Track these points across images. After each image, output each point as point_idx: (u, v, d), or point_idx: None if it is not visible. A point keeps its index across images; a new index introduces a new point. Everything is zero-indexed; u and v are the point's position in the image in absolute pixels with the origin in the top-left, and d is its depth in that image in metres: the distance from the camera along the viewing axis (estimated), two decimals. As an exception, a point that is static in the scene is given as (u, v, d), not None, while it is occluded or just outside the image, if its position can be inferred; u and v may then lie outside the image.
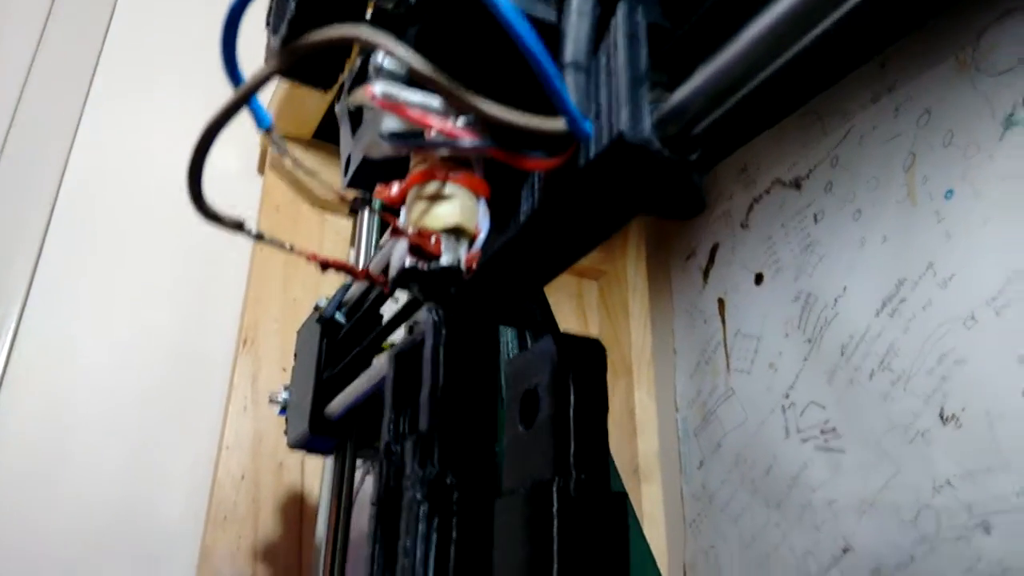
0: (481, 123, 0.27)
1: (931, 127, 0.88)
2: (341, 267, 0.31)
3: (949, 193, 0.86)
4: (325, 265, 0.30)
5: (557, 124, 0.25)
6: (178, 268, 1.09)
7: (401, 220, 0.30)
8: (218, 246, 1.10)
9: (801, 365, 0.99)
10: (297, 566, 0.96)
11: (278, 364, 1.04)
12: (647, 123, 0.26)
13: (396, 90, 0.27)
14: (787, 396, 1.01)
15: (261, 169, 1.16)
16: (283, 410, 0.73)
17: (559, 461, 0.30)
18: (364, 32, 0.24)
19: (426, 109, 0.27)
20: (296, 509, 0.99)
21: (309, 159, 1.09)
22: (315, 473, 1.00)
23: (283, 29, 0.29)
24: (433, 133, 0.27)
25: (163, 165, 1.12)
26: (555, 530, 0.27)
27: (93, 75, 1.13)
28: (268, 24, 0.34)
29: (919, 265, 0.86)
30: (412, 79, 0.28)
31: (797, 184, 1.06)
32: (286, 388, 0.74)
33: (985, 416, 0.77)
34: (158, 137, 1.13)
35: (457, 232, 0.29)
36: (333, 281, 1.11)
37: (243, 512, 0.95)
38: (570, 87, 0.26)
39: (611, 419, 1.07)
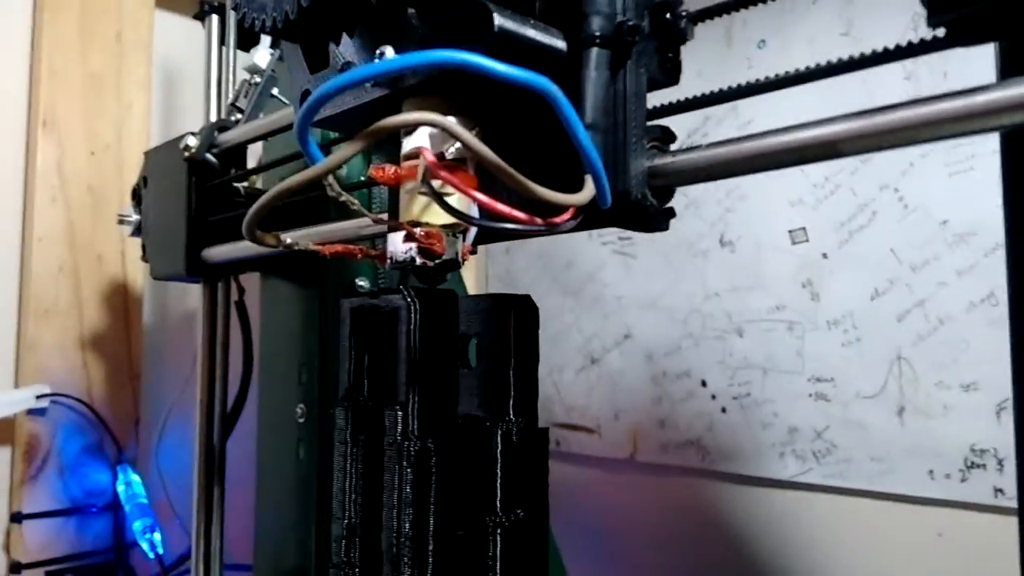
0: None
1: (757, -25, 0.95)
2: (346, 253, 0.33)
3: (762, 43, 0.96)
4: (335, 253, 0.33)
5: (586, 196, 0.30)
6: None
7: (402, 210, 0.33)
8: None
9: (610, 178, 1.11)
10: (127, 354, 0.98)
11: (84, 148, 0.96)
12: (644, 179, 0.33)
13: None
14: (594, 203, 1.13)
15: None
16: (137, 232, 0.71)
17: (498, 407, 0.38)
18: (436, 119, 0.26)
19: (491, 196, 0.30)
20: (120, 300, 0.98)
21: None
22: (136, 263, 0.98)
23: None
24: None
25: None
26: (499, 466, 0.37)
27: None
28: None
29: (724, 104, 0.98)
30: None
31: (627, 0, 1.10)
32: (136, 208, 0.71)
33: (755, 245, 0.95)
34: None
35: (454, 227, 0.33)
36: (137, 55, 1.01)
37: (65, 305, 0.93)
38: (592, 147, 0.29)
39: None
